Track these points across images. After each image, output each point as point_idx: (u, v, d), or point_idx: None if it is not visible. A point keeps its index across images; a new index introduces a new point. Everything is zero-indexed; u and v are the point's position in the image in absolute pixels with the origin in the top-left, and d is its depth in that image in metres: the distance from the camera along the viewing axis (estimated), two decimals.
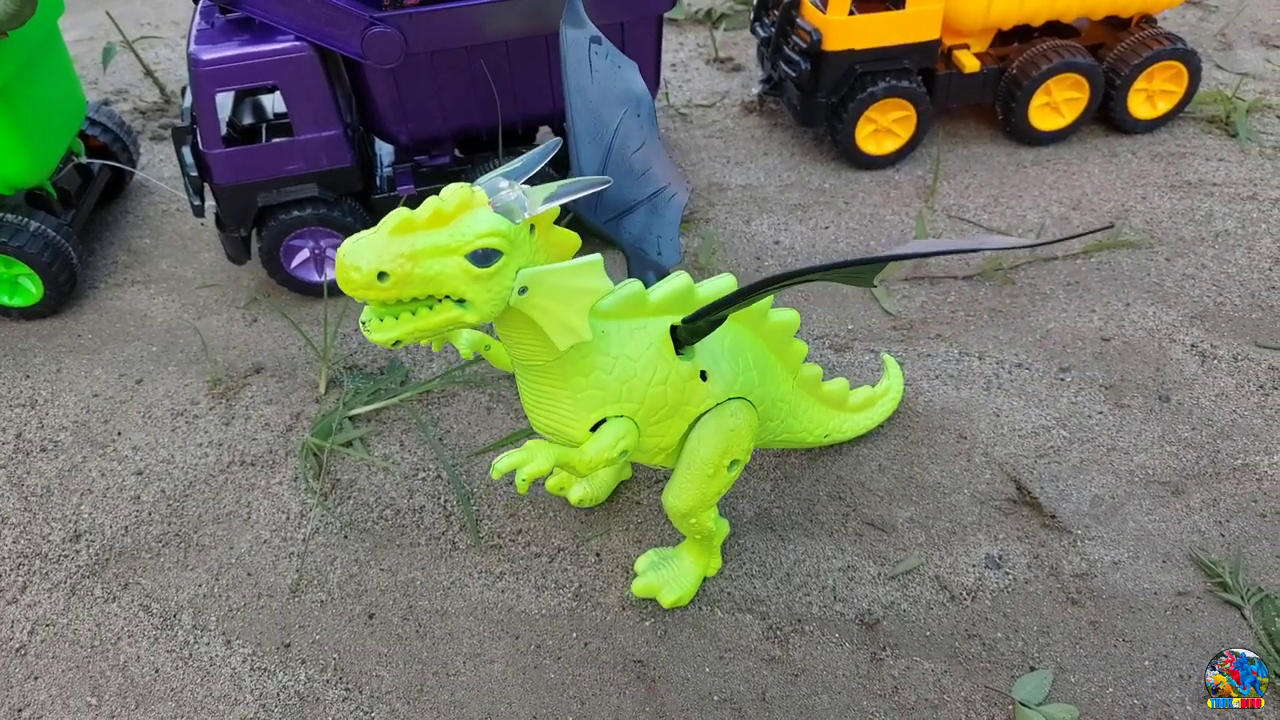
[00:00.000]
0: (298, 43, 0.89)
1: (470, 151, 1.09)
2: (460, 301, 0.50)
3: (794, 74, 1.13)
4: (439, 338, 0.59)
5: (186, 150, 0.94)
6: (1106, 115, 1.20)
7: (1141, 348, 0.92)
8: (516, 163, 0.54)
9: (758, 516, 0.78)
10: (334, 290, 1.03)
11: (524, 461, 0.57)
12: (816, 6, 1.10)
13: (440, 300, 0.50)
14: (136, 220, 1.19)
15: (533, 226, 0.52)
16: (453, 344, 0.67)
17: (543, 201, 0.52)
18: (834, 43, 1.09)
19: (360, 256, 0.48)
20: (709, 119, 1.31)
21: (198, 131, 0.93)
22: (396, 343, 0.51)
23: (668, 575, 0.72)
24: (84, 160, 1.10)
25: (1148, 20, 1.19)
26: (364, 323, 0.51)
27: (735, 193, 1.16)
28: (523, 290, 0.52)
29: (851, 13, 1.08)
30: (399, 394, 0.90)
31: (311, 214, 0.97)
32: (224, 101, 0.97)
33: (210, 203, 0.99)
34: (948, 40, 1.15)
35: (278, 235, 0.98)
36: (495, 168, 1.01)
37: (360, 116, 1.01)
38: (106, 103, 1.41)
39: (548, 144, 0.56)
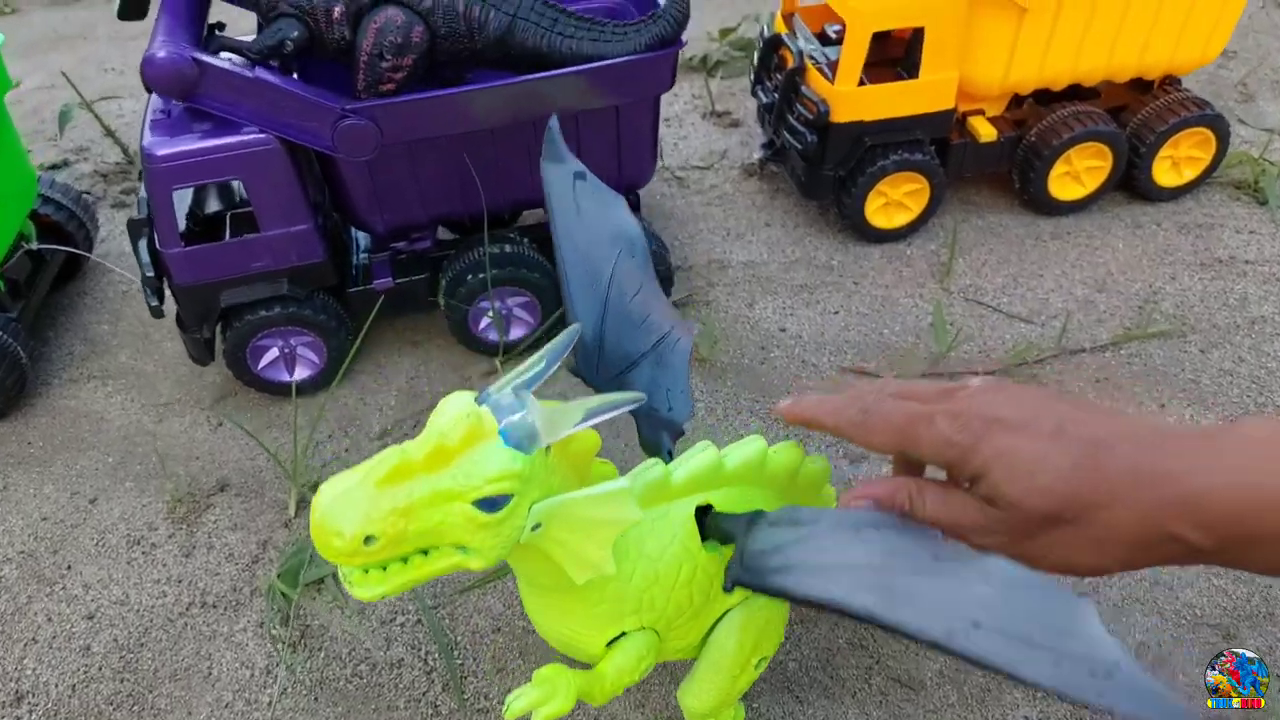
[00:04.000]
0: (263, 134, 0.81)
1: (454, 230, 1.01)
2: (462, 548, 0.43)
3: (799, 146, 1.05)
4: None
5: (143, 246, 0.87)
6: (1129, 182, 1.13)
7: None
8: (531, 367, 0.45)
9: (772, 672, 0.71)
10: (303, 389, 0.95)
11: (541, 702, 0.50)
12: (823, 74, 1.03)
13: (438, 547, 0.42)
14: (94, 303, 1.10)
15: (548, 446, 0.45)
16: None
17: (566, 427, 0.44)
18: (842, 114, 1.02)
19: (343, 519, 0.39)
20: (707, 183, 1.24)
21: (154, 227, 0.85)
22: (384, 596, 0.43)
23: None
24: (35, 246, 1.02)
25: (1173, 81, 1.12)
26: (345, 577, 0.42)
27: (736, 271, 1.09)
28: (536, 526, 0.44)
29: (861, 83, 1.01)
30: None
31: (280, 313, 0.89)
32: (183, 194, 0.89)
33: (171, 303, 0.91)
34: (962, 106, 1.08)
35: (244, 336, 0.90)
36: (479, 254, 0.97)
37: (333, 203, 0.93)
38: (66, 163, 1.33)
39: (565, 335, 0.48)
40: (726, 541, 0.53)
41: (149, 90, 0.80)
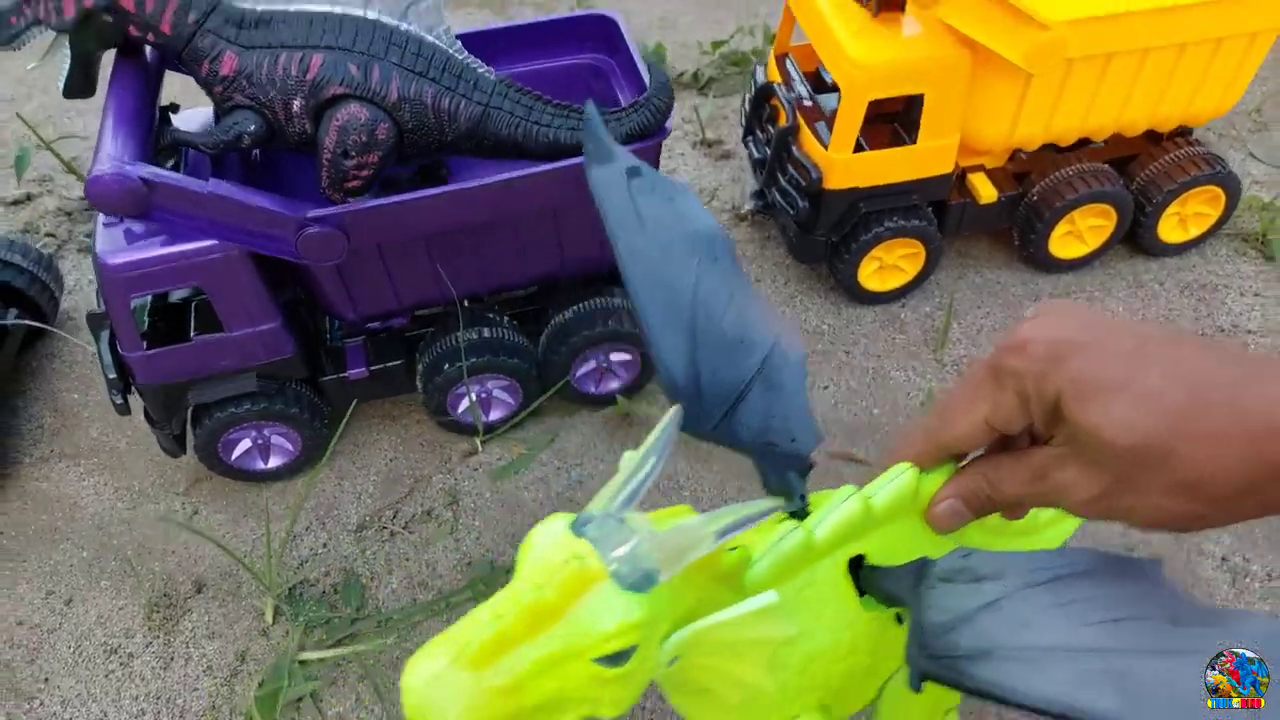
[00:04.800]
0: None
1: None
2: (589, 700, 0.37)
3: (790, 210, 1.01)
4: None
5: (105, 342, 0.83)
6: (1133, 237, 1.09)
7: (1168, 559, 0.84)
8: (635, 472, 0.37)
9: None
10: (280, 473, 0.93)
11: None
12: (817, 138, 0.98)
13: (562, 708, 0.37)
14: (63, 366, 1.07)
15: None
16: None
17: (691, 556, 0.37)
18: (835, 181, 0.97)
19: (441, 714, 0.33)
20: None
21: (113, 330, 0.82)
22: None
23: None
24: None
25: (1184, 131, 1.07)
26: None
27: None
28: (674, 661, 0.39)
29: (859, 148, 0.96)
30: (354, 642, 0.81)
31: (251, 409, 0.87)
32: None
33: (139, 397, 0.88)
34: (962, 161, 1.04)
35: (214, 432, 0.88)
36: (456, 340, 0.91)
37: (302, 291, 0.90)
38: (29, 197, 1.28)
39: (669, 421, 0.40)
40: (891, 604, 0.46)
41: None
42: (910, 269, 1.05)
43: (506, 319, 0.93)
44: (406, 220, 0.79)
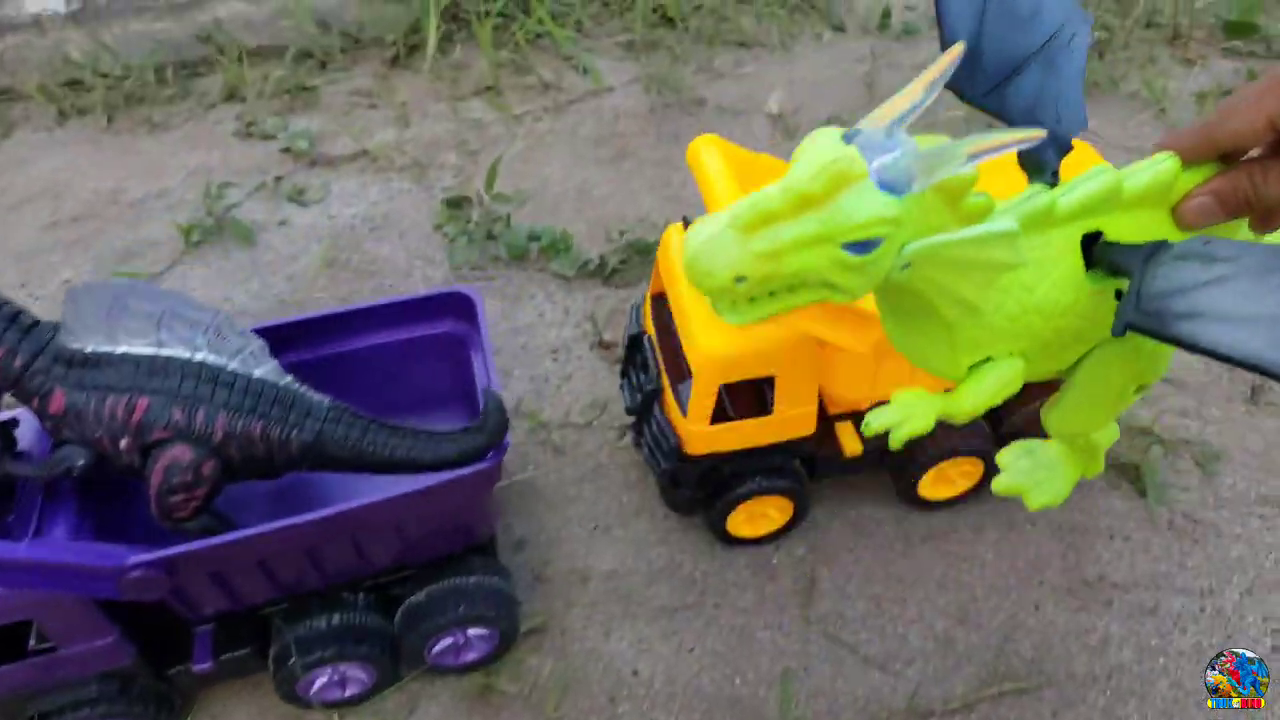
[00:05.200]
0: None
1: None
2: (829, 285, 0.43)
3: (655, 468, 1.01)
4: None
5: None
6: None
7: None
8: (907, 98, 0.42)
9: None
10: None
11: (900, 421, 0.50)
12: (678, 401, 0.98)
13: (805, 285, 0.43)
14: None
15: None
16: None
17: (946, 170, 0.41)
18: (696, 448, 0.98)
19: (713, 260, 0.41)
20: (584, 449, 1.20)
21: None
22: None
23: (1039, 473, 0.63)
24: None
25: None
26: (716, 306, 0.45)
27: (598, 585, 1.05)
28: (906, 265, 0.43)
29: (727, 411, 0.97)
30: None
31: (90, 714, 0.86)
32: None
33: None
34: (831, 408, 1.04)
35: None
36: (309, 627, 0.88)
37: None
38: None
39: (947, 60, 0.44)
40: (1118, 274, 0.49)
41: None
42: (780, 517, 1.06)
43: (361, 597, 0.93)
44: (233, 556, 0.79)
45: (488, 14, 1.97)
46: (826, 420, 1.05)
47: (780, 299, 0.43)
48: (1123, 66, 1.80)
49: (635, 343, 1.07)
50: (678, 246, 1.01)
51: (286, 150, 1.72)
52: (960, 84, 0.51)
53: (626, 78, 1.88)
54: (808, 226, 0.40)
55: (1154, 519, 1.09)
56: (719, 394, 0.95)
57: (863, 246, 0.41)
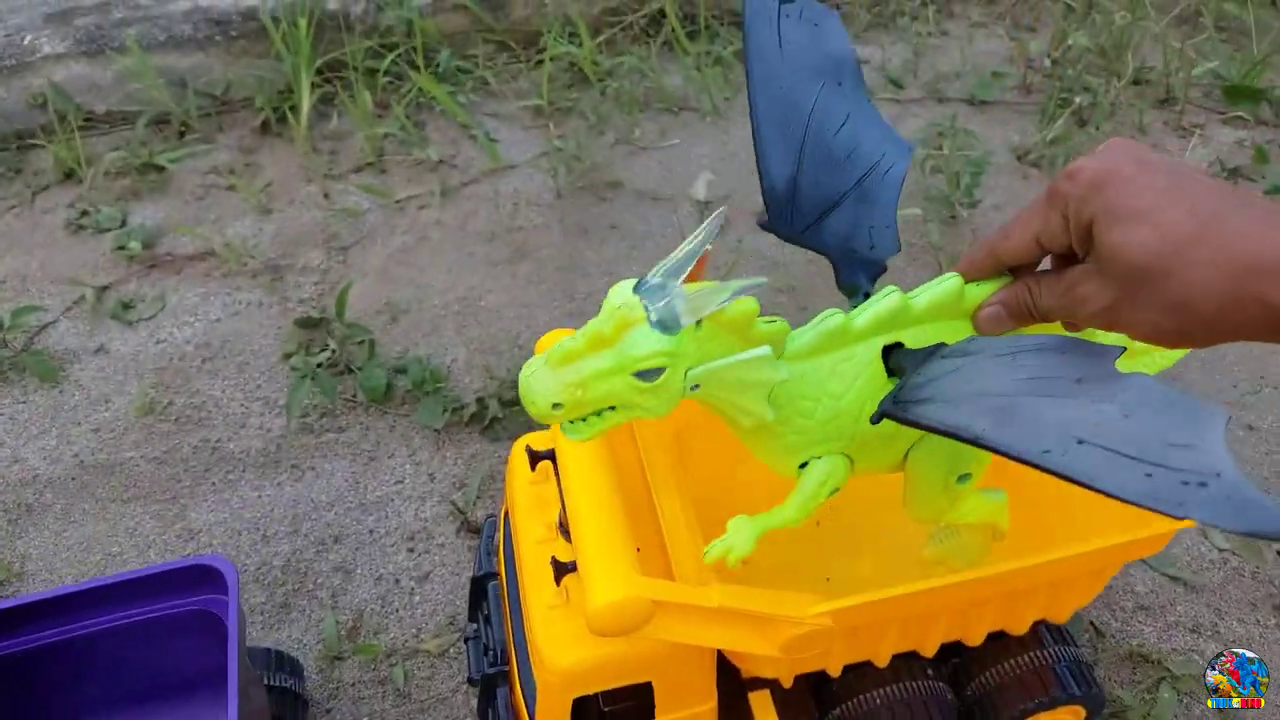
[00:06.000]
0: None
1: None
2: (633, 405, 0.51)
3: None
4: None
5: None
6: None
7: None
8: (677, 256, 0.50)
9: None
10: None
11: (733, 548, 0.58)
12: (524, 703, 0.71)
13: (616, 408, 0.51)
14: None
15: (699, 321, 0.50)
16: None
17: (708, 308, 0.49)
18: None
19: (534, 392, 0.50)
20: (434, 690, 0.92)
21: None
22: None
23: (957, 546, 0.70)
24: None
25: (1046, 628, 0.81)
26: (563, 427, 0.52)
27: None
28: (695, 387, 0.51)
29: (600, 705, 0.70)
30: None
31: None
32: None
33: None
34: (743, 669, 0.78)
35: None
36: None
37: None
38: None
39: (711, 222, 0.51)
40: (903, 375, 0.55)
41: None
42: None
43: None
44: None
45: (371, 72, 1.69)
46: (738, 691, 0.79)
47: (605, 418, 0.51)
48: (1109, 138, 1.55)
49: (480, 589, 0.80)
50: (522, 479, 0.75)
51: (121, 249, 1.44)
52: (778, 225, 0.57)
53: (532, 151, 1.60)
54: (604, 361, 0.49)
55: None
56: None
57: (649, 375, 0.49)
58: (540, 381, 0.49)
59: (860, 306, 0.55)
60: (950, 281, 0.54)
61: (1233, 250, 0.41)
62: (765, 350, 0.51)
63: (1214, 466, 0.38)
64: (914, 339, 0.56)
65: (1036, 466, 0.42)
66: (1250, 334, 0.42)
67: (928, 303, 0.55)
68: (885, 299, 0.54)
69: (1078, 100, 1.57)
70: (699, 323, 0.50)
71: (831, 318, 0.54)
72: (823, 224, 0.57)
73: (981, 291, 0.55)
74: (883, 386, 0.56)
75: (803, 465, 0.58)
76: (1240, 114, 1.56)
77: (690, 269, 0.50)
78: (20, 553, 1.04)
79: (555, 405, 0.49)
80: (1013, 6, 1.96)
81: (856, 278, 0.59)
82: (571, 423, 0.51)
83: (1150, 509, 0.38)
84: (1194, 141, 1.54)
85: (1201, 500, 0.37)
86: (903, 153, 0.60)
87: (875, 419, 0.52)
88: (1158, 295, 0.43)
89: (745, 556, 0.58)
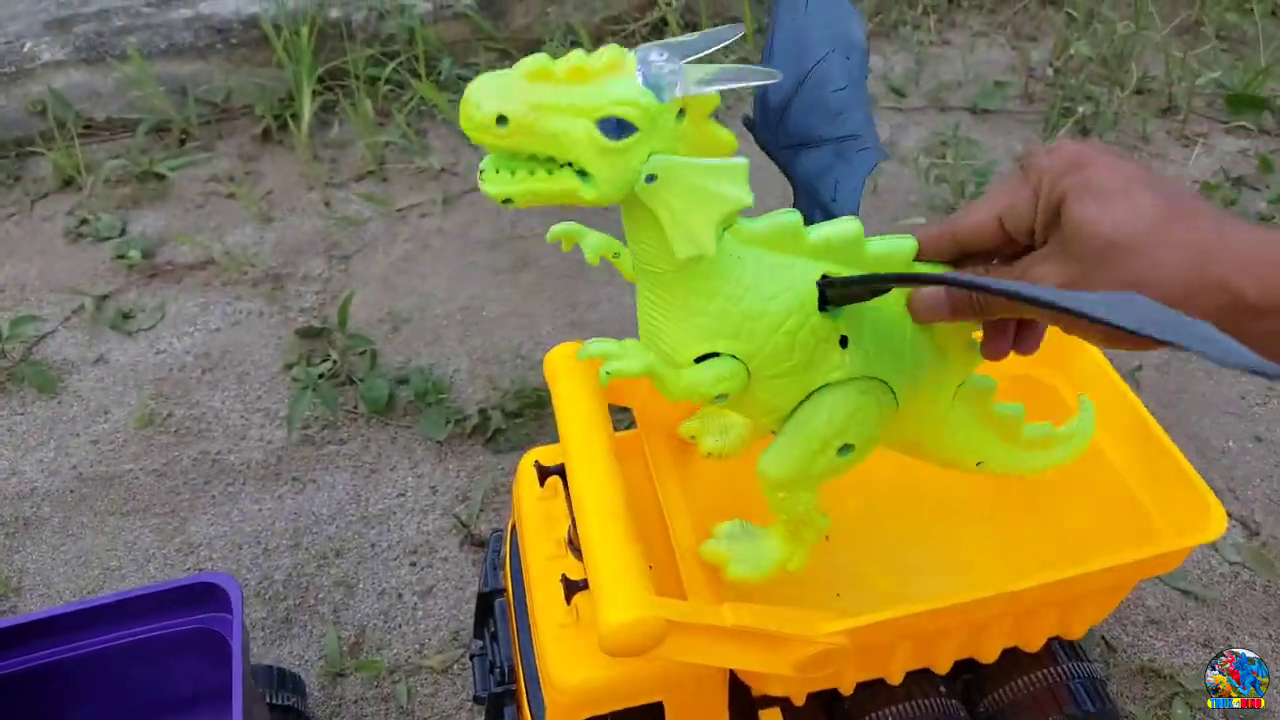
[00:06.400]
0: None
1: None
2: (582, 173, 0.45)
3: None
4: (559, 210, 0.50)
5: None
6: None
7: None
8: (684, 38, 0.47)
9: None
10: None
11: (615, 355, 0.52)
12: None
13: (562, 166, 0.45)
14: None
15: (683, 111, 0.46)
16: (580, 244, 0.62)
17: (696, 82, 0.45)
18: None
19: (483, 94, 0.43)
20: (437, 707, 0.91)
21: None
22: (507, 201, 0.45)
23: (743, 549, 0.65)
24: None
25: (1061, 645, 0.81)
26: (481, 171, 0.46)
27: None
28: (650, 178, 0.45)
29: None
30: None
31: None
32: None
33: None
34: (754, 687, 0.77)
35: None
36: None
37: None
38: None
39: (726, 28, 0.49)
40: (842, 303, 0.53)
41: None
42: None
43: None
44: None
45: (373, 81, 1.68)
46: (749, 708, 0.78)
47: (538, 178, 0.45)
48: (1115, 146, 1.55)
49: (487, 606, 0.79)
50: (530, 495, 0.74)
51: (120, 258, 1.43)
52: (763, 133, 0.56)
53: None
54: (574, 95, 0.43)
55: None
56: None
57: (616, 130, 0.44)
58: (497, 86, 0.43)
59: (818, 224, 0.53)
60: (906, 242, 0.53)
61: (1202, 234, 0.41)
62: (743, 161, 0.47)
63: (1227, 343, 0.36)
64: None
65: (1072, 312, 0.38)
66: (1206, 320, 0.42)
67: (879, 252, 0.53)
68: (845, 223, 0.52)
69: (1081, 109, 1.57)
70: (682, 113, 0.45)
71: (788, 214, 0.52)
72: (799, 153, 0.57)
73: (920, 269, 0.54)
74: (811, 311, 0.53)
75: (700, 359, 0.54)
76: (1243, 123, 1.56)
77: (696, 58, 0.46)
78: (18, 567, 1.03)
79: (500, 119, 0.42)
80: (1014, 16, 1.96)
81: (811, 214, 0.57)
82: (498, 171, 0.44)
83: (1149, 335, 0.36)
84: (1197, 150, 1.53)
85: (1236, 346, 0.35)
86: (877, 144, 0.60)
87: (823, 305, 0.51)
88: (1119, 273, 0.42)
89: (626, 375, 0.52)
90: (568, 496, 0.68)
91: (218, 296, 1.37)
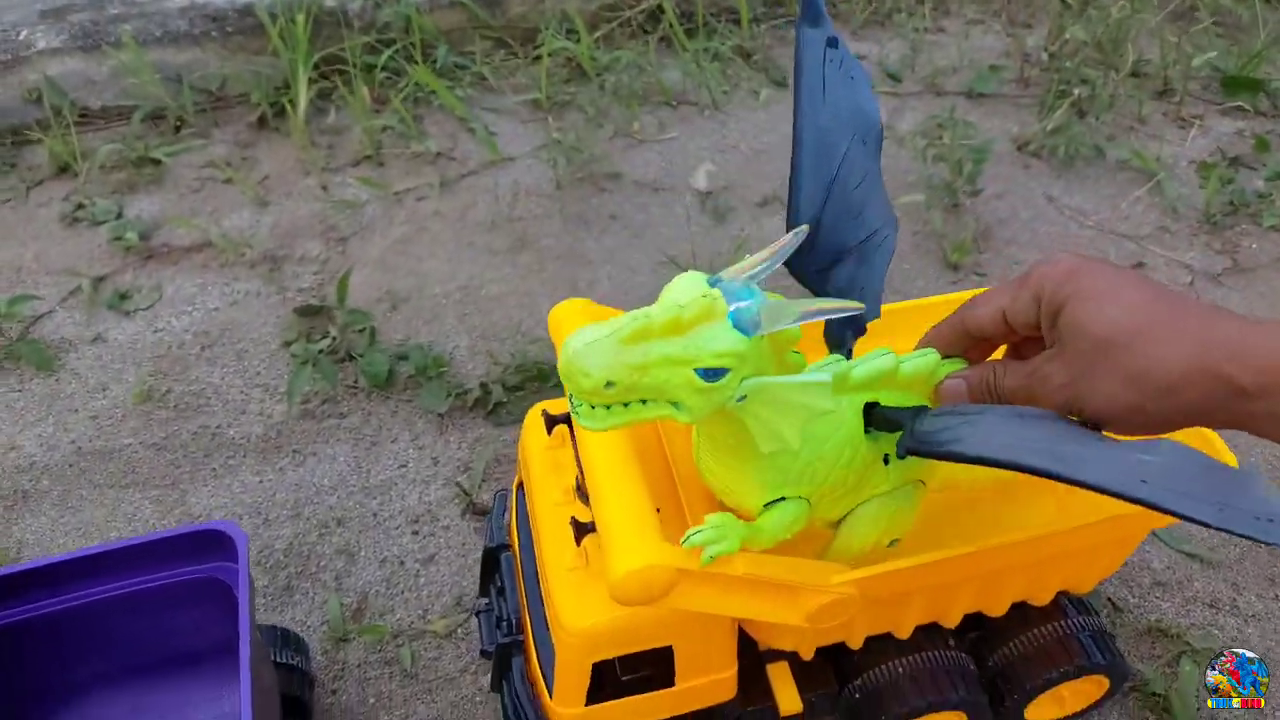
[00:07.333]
0: None
1: None
2: (675, 404, 0.48)
3: None
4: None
5: None
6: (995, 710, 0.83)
7: None
8: (760, 260, 0.51)
9: None
10: None
11: (713, 540, 0.55)
12: (541, 671, 0.70)
13: (657, 401, 0.48)
14: None
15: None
16: None
17: (785, 322, 0.48)
18: None
19: (590, 362, 0.46)
20: (441, 670, 0.90)
21: None
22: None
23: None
24: None
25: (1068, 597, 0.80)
26: (575, 409, 0.49)
27: None
28: (742, 398, 0.49)
29: (604, 692, 0.68)
30: None
31: None
32: None
33: None
34: (760, 640, 0.77)
35: None
36: None
37: None
38: None
39: (794, 236, 0.53)
40: (891, 429, 0.57)
41: None
42: None
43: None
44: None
45: (369, 68, 1.68)
46: (756, 662, 0.77)
47: (632, 410, 0.48)
48: (1109, 129, 1.56)
49: (493, 561, 0.78)
50: (538, 444, 0.73)
51: (118, 240, 1.42)
52: (794, 262, 0.57)
53: (531, 144, 1.60)
54: (674, 348, 0.46)
55: None
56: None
57: (713, 374, 0.47)
58: (600, 354, 0.45)
59: (857, 360, 0.57)
60: (930, 358, 0.58)
61: (1191, 327, 0.44)
62: (826, 377, 0.50)
63: (1276, 510, 0.43)
64: (885, 402, 0.59)
65: (1114, 494, 0.44)
66: (1203, 407, 0.44)
67: (911, 370, 0.58)
68: (880, 359, 0.56)
69: (1076, 92, 1.58)
70: (764, 335, 0.48)
71: (834, 365, 0.56)
72: (829, 274, 0.60)
73: (948, 367, 0.59)
74: (860, 440, 0.58)
75: (768, 505, 0.57)
76: (1239, 104, 1.57)
77: (764, 275, 0.50)
78: (16, 539, 1.02)
79: (609, 384, 0.45)
80: (1008, 3, 1.97)
81: (844, 333, 0.62)
82: (605, 408, 0.47)
83: (1236, 534, 0.43)
84: (1193, 132, 1.54)
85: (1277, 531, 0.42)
86: (893, 225, 0.63)
87: (901, 452, 0.54)
88: (1118, 367, 0.46)
89: (729, 554, 0.56)
90: (575, 445, 0.68)
91: (215, 278, 1.36)
